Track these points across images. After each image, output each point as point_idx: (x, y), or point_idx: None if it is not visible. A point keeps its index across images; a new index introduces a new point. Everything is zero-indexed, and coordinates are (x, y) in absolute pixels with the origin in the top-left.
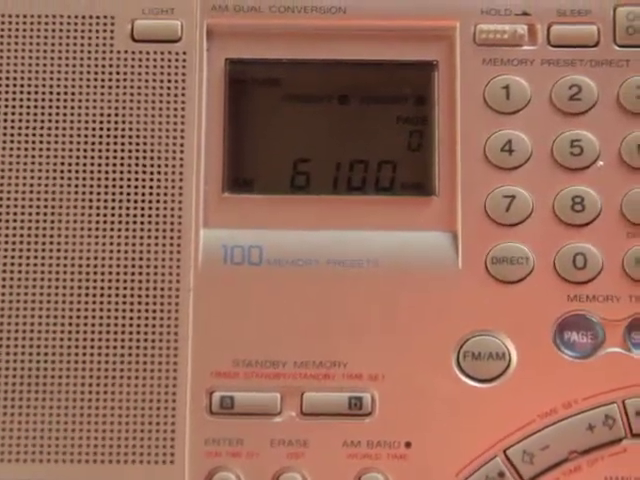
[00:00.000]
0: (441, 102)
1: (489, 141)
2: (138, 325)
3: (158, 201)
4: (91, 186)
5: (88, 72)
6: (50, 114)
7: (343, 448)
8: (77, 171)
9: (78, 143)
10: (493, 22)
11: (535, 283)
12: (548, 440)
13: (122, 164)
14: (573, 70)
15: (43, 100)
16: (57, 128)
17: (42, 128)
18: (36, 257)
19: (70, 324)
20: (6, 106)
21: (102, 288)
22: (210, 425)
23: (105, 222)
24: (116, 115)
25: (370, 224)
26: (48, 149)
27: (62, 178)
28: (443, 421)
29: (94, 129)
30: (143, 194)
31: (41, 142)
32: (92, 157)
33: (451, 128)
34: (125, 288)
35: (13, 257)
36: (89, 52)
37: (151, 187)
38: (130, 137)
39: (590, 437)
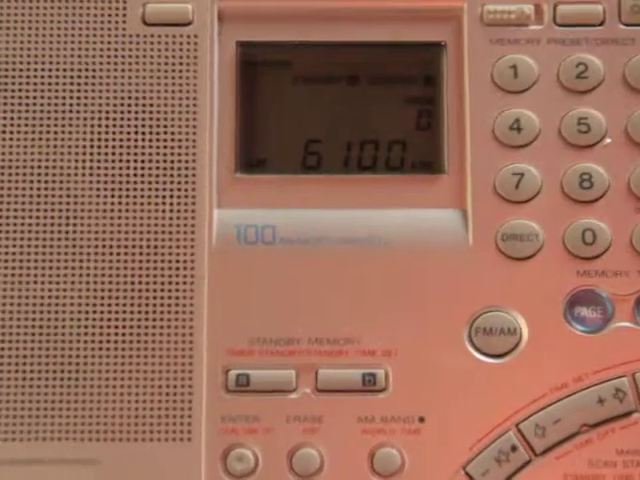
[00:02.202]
0: (449, 82)
1: (498, 120)
2: (154, 305)
3: (172, 182)
4: (106, 168)
5: (100, 56)
6: (64, 97)
7: (357, 424)
8: (91, 154)
9: (91, 126)
10: (500, 2)
11: (545, 259)
12: (560, 414)
13: (135, 146)
14: (579, 49)
15: (57, 84)
16: (71, 112)
17: (56, 112)
18: (52, 238)
19: (87, 304)
20: (20, 90)
21: (118, 269)
22: (226, 402)
23: (120, 203)
24: (129, 98)
25: (381, 203)
26: (63, 132)
27: (76, 161)
28: (456, 396)
29: (107, 112)
30: (157, 175)
31: (56, 125)
32: (105, 140)
33: (460, 107)
34: (140, 269)
35: (30, 238)
36: (101, 36)
37: (164, 169)
38: (143, 120)
39: (601, 410)
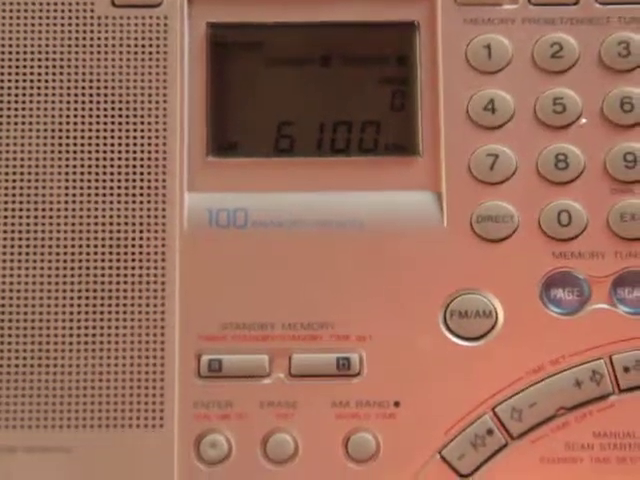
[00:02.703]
0: (423, 62)
1: (472, 100)
2: (125, 290)
3: (142, 166)
4: (74, 152)
5: (69, 38)
6: (32, 80)
7: (332, 408)
8: (60, 137)
9: (60, 109)
10: None
11: (520, 241)
12: (536, 397)
13: (105, 129)
14: (554, 28)
15: (25, 67)
16: (39, 94)
17: (24, 95)
18: (20, 224)
19: (57, 290)
20: None
21: (87, 253)
22: (199, 388)
23: (89, 187)
24: (98, 81)
25: (355, 185)
26: (31, 115)
27: (45, 145)
28: (431, 380)
29: (76, 95)
30: (127, 159)
31: (23, 108)
32: (75, 123)
33: (433, 88)
34: (111, 253)
35: None
36: (70, 18)
37: (135, 152)
38: (113, 102)
39: (578, 393)
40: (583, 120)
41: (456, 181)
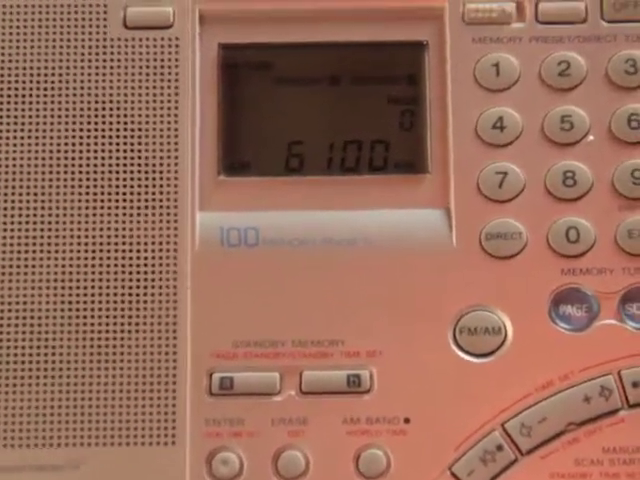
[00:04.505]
0: (432, 81)
1: (480, 118)
2: (137, 309)
3: (154, 186)
4: (87, 172)
5: (82, 60)
6: (45, 102)
7: (343, 425)
8: (73, 158)
9: (73, 130)
10: (481, 1)
11: (529, 258)
12: (545, 413)
13: (117, 150)
14: (562, 46)
15: (38, 89)
16: (52, 116)
17: (38, 116)
18: (34, 244)
19: (70, 309)
20: (0, 95)
21: (100, 273)
22: (210, 406)
23: (102, 207)
24: (110, 102)
25: (364, 203)
26: (44, 137)
27: (58, 165)
28: (441, 396)
29: (89, 116)
30: (139, 179)
31: (37, 130)
32: (88, 144)
33: (442, 107)
34: (123, 272)
35: (12, 240)
36: (82, 40)
37: (147, 172)
38: (125, 123)
39: (587, 408)
40: (591, 137)
41: (465, 199)
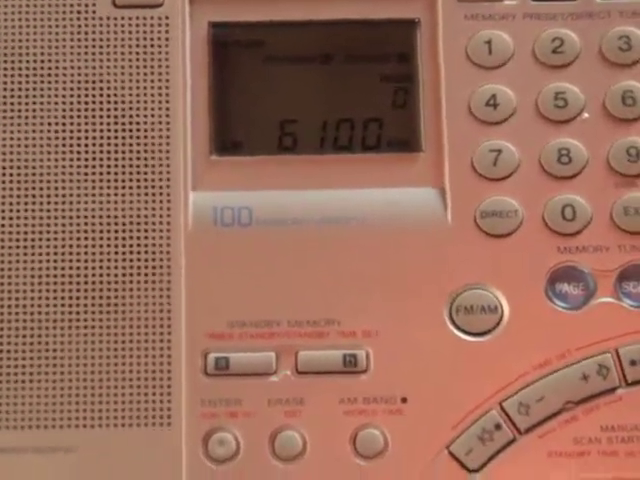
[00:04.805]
0: (424, 59)
1: (473, 96)
2: (130, 289)
3: (146, 165)
4: (78, 152)
5: (71, 39)
6: (35, 82)
7: (339, 405)
8: (64, 138)
9: (63, 110)
10: None
11: (525, 236)
12: (543, 391)
13: (109, 130)
14: (555, 23)
15: (27, 68)
16: (42, 95)
17: (27, 96)
18: (26, 224)
19: (62, 290)
20: None
21: (93, 254)
22: (206, 386)
23: (93, 187)
24: (101, 81)
25: (358, 182)
26: (34, 117)
27: (49, 145)
28: (438, 376)
29: (79, 95)
30: (131, 159)
31: (27, 110)
32: (78, 124)
33: (435, 84)
34: (116, 253)
35: (2, 220)
36: (71, 19)
37: (138, 152)
38: (116, 103)
39: (585, 387)
40: (585, 115)
41: (459, 177)
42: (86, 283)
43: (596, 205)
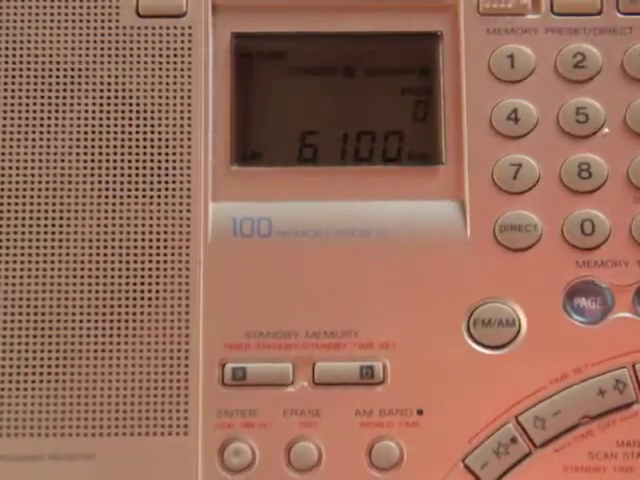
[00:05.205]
0: (446, 72)
1: (495, 110)
2: (149, 299)
3: (167, 175)
4: (99, 161)
5: (94, 48)
6: (57, 90)
7: (355, 417)
8: (85, 146)
9: (86, 119)
10: None
11: (544, 250)
12: (559, 405)
13: (130, 139)
14: (577, 38)
15: (50, 77)
16: (64, 104)
17: (50, 104)
18: (46, 232)
19: (81, 298)
20: (13, 83)
21: (112, 262)
22: (223, 396)
23: (115, 197)
24: (123, 90)
25: (378, 194)
26: (56, 126)
27: (70, 154)
28: (455, 388)
29: (101, 105)
30: (152, 168)
31: (49, 118)
32: (100, 133)
33: (456, 98)
34: (136, 262)
35: (23, 228)
36: (95, 28)
37: (159, 162)
38: (137, 112)
39: (601, 402)
40: (606, 130)
41: (479, 190)
42: (105, 292)
43: (615, 220)
